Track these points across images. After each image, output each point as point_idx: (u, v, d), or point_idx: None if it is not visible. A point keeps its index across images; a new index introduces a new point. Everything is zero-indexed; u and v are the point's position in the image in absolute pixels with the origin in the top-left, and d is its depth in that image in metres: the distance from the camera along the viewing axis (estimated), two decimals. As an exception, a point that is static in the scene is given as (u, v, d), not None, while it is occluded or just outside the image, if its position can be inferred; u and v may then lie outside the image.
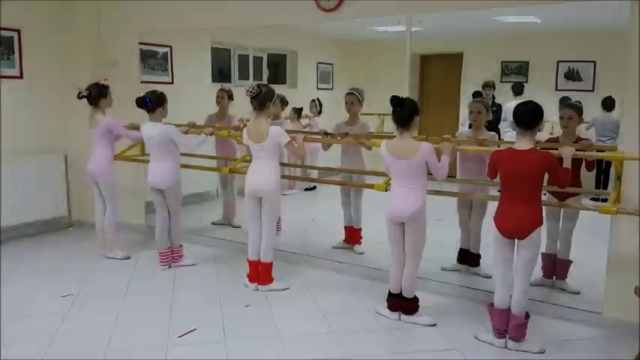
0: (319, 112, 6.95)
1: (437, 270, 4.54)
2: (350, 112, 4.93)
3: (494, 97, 6.55)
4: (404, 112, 3.54)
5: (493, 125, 6.04)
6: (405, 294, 3.74)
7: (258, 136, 4.12)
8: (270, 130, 4.08)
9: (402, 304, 3.76)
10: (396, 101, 3.56)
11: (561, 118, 4.11)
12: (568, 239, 4.18)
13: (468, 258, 4.57)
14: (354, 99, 4.89)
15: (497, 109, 6.49)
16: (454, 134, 4.52)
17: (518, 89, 6.61)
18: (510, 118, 3.99)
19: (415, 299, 3.76)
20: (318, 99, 6.95)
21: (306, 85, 7.74)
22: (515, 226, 3.27)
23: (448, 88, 7.22)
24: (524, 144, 3.27)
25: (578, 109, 4.10)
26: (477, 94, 6.23)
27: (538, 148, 3.32)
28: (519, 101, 3.76)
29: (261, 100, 4.11)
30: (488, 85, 6.39)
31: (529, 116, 3.27)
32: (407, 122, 3.55)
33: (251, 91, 4.07)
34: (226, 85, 5.76)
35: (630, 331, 3.57)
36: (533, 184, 3.25)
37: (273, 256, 4.31)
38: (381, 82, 6.94)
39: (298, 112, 6.92)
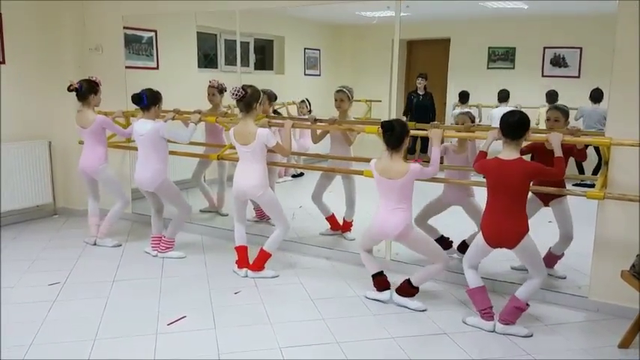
0: (309, 112, 6.92)
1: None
2: (339, 109, 4.90)
3: (426, 87, 6.75)
4: (394, 135, 3.55)
5: (425, 113, 6.25)
6: (414, 280, 3.78)
7: (245, 138, 4.09)
8: (257, 132, 4.04)
9: (404, 285, 3.80)
10: (387, 126, 3.57)
11: (548, 119, 4.14)
12: (567, 238, 4.12)
13: (460, 247, 4.59)
14: (343, 96, 4.86)
15: (429, 97, 6.77)
16: (442, 121, 4.53)
17: (503, 96, 6.63)
18: (494, 124, 4.02)
19: (417, 289, 3.81)
20: (307, 99, 6.92)
21: (294, 71, 7.67)
22: (502, 239, 3.33)
23: (435, 74, 7.21)
24: (509, 154, 3.29)
25: (564, 112, 4.13)
26: (463, 95, 6.32)
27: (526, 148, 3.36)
28: (504, 108, 3.78)
29: (248, 102, 4.06)
30: (421, 76, 6.76)
31: (515, 128, 3.28)
32: (398, 145, 3.57)
33: (236, 94, 4.01)
34: (215, 81, 5.64)
35: (615, 315, 3.65)
36: (519, 194, 3.29)
37: (275, 250, 4.34)
38: (369, 67, 6.94)
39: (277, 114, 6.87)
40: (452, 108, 6.65)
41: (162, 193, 4.59)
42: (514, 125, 3.27)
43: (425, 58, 7.51)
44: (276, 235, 4.28)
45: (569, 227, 4.11)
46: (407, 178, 3.53)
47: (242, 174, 4.18)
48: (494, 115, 6.37)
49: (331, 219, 5.20)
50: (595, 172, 5.54)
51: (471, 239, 4.46)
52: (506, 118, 3.30)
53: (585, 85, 6.08)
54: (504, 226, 3.30)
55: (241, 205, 4.33)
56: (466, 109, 4.71)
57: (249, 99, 4.05)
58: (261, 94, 4.20)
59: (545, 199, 4.04)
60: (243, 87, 4.05)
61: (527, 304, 3.43)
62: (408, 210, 3.63)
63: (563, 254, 4.21)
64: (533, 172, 3.28)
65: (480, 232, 3.42)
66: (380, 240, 3.89)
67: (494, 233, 3.34)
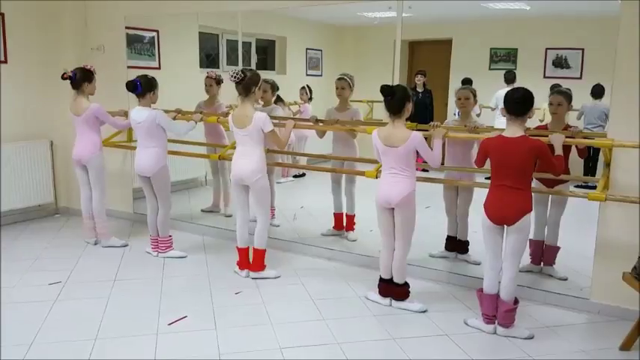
0: (310, 99, 6.90)
1: (425, 256, 4.56)
2: (340, 97, 4.89)
3: (425, 84, 6.78)
4: (395, 100, 3.53)
5: (424, 110, 6.23)
6: (396, 279, 3.76)
7: (243, 122, 4.07)
8: (254, 116, 4.04)
9: (393, 289, 3.78)
10: (387, 90, 3.55)
11: (551, 104, 4.13)
12: (556, 226, 4.21)
13: (456, 245, 4.60)
14: (344, 84, 4.85)
15: (429, 95, 6.82)
16: (443, 121, 4.53)
17: (509, 77, 6.62)
18: (501, 105, 4.01)
19: (406, 285, 3.77)
20: (307, 85, 6.91)
21: (295, 71, 7.68)
22: (504, 213, 3.27)
23: (437, 74, 7.21)
24: (514, 131, 3.26)
25: (567, 95, 4.12)
26: (466, 82, 6.25)
27: (528, 135, 3.32)
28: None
29: (247, 85, 4.04)
30: (420, 72, 6.84)
31: (520, 103, 3.25)
32: (399, 110, 3.55)
33: (235, 77, 4.00)
34: (213, 72, 5.67)
35: (617, 317, 3.64)
36: (523, 172, 3.25)
37: (266, 244, 4.31)
38: (370, 68, 6.93)
39: (280, 101, 6.87)
40: (453, 112, 6.65)
41: (157, 179, 4.55)
42: (519, 101, 3.24)
43: (427, 59, 7.51)
44: (259, 230, 4.23)
45: (559, 216, 4.17)
46: (409, 145, 3.50)
47: (240, 157, 4.14)
48: (500, 95, 6.35)
49: (338, 216, 5.19)
50: (585, 167, 5.57)
51: (462, 232, 4.49)
52: (510, 95, 3.27)
53: (587, 87, 6.09)
54: (508, 202, 3.25)
55: (241, 195, 4.24)
56: (466, 85, 4.68)
57: (247, 82, 4.03)
58: (261, 78, 4.19)
59: (550, 184, 4.00)
60: (243, 70, 4.04)
61: (517, 300, 3.40)
62: (412, 177, 3.60)
63: (559, 247, 4.23)
64: (538, 149, 3.20)
65: (483, 213, 3.36)
66: (386, 208, 3.66)
67: (497, 208, 3.28)
